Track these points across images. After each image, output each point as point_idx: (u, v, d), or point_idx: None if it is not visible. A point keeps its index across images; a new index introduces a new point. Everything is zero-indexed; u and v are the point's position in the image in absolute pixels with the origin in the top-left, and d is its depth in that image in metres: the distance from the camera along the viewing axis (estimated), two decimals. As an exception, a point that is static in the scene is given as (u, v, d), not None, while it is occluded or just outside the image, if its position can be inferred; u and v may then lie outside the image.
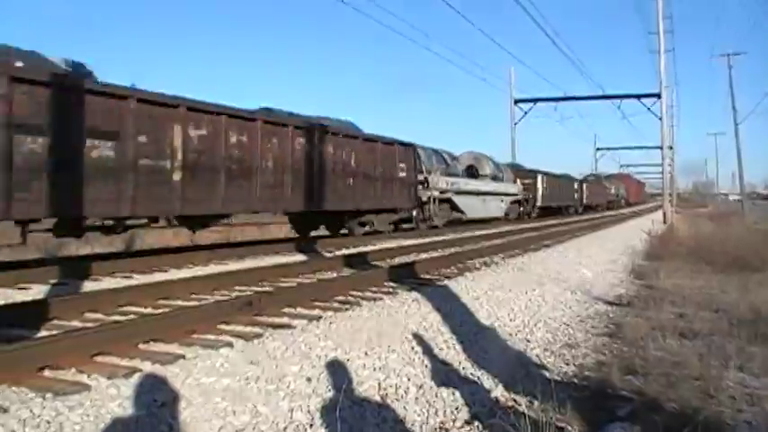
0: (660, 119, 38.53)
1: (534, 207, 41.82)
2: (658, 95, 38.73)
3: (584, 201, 58.75)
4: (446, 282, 9.46)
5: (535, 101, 46.78)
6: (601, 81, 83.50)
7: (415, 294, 8.05)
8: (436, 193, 25.70)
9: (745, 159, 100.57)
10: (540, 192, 42.41)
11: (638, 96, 41.81)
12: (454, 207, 27.82)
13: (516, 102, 47.25)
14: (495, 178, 34.86)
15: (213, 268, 11.49)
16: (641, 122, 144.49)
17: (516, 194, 38.19)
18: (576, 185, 55.99)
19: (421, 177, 24.28)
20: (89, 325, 6.31)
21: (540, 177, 42.82)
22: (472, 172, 32.99)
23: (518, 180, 39.72)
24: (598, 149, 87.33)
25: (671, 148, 56.09)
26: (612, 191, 79.25)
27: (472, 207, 29.66)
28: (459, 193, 28.10)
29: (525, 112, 46.94)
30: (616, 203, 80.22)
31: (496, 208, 33.91)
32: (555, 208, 47.38)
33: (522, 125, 57.15)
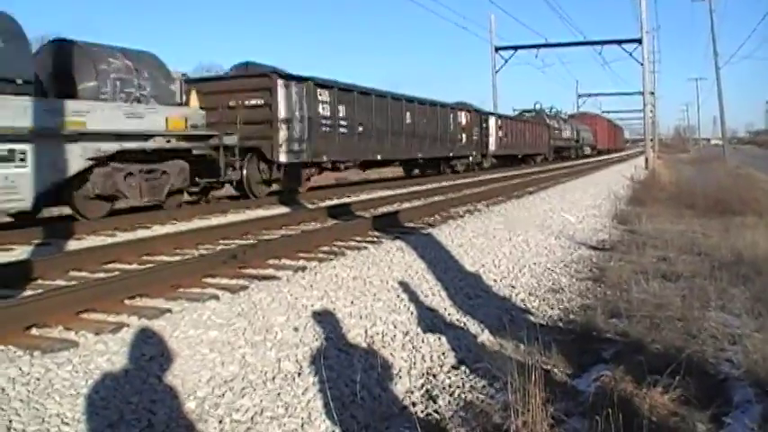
0: (642, 64, 38.46)
1: (267, 169, 16.76)
2: (639, 41, 38.59)
3: (492, 148, 34.49)
4: (430, 230, 9.48)
5: (516, 48, 46.45)
6: (582, 28, 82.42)
7: (399, 243, 8.07)
8: None
9: (727, 104, 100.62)
10: (285, 131, 16.76)
11: (620, 42, 41.54)
12: None
13: (497, 49, 46.87)
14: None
15: (197, 223, 11.44)
16: (623, 68, 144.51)
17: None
18: (464, 120, 30.33)
19: None
20: (74, 283, 6.29)
21: (297, 90, 17.27)
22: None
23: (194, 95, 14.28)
24: (580, 96, 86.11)
25: (652, 93, 55.96)
26: (566, 134, 55.04)
27: None
28: None
29: (506, 60, 46.58)
30: (575, 151, 58.94)
31: None
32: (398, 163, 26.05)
33: (505, 73, 56.30)
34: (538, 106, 52.47)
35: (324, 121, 18.44)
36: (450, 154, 28.82)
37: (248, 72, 18.13)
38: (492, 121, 35.05)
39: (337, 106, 19.14)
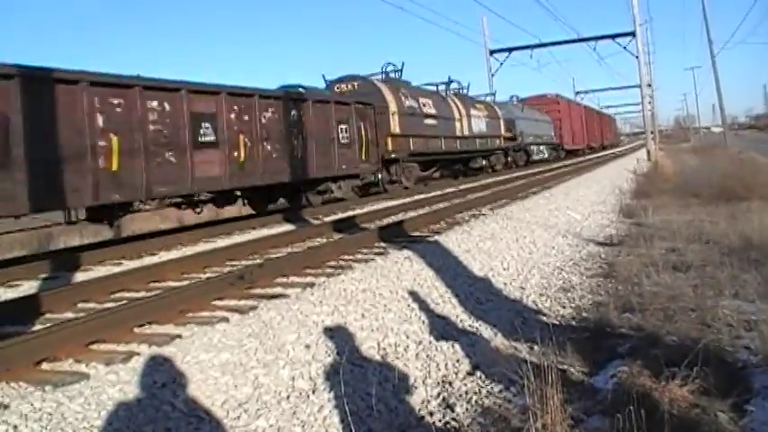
0: (636, 57, 38.44)
1: None
2: (633, 34, 38.58)
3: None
4: (436, 237, 9.42)
5: (510, 50, 46.27)
6: (576, 25, 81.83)
7: (406, 252, 8.02)
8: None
9: (725, 91, 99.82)
10: None
11: (613, 36, 41.44)
12: None
13: (492, 52, 46.80)
14: None
15: (203, 246, 11.40)
16: (619, 63, 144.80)
17: None
18: None
19: None
20: (82, 315, 6.26)
21: None
22: None
23: None
24: (577, 93, 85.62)
25: (649, 85, 55.80)
26: (474, 126, 28.74)
27: None
28: None
29: (501, 63, 46.49)
30: (503, 157, 33.76)
31: None
32: None
33: (502, 75, 55.88)
34: (391, 68, 24.55)
35: None
36: None
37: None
38: None
39: None
